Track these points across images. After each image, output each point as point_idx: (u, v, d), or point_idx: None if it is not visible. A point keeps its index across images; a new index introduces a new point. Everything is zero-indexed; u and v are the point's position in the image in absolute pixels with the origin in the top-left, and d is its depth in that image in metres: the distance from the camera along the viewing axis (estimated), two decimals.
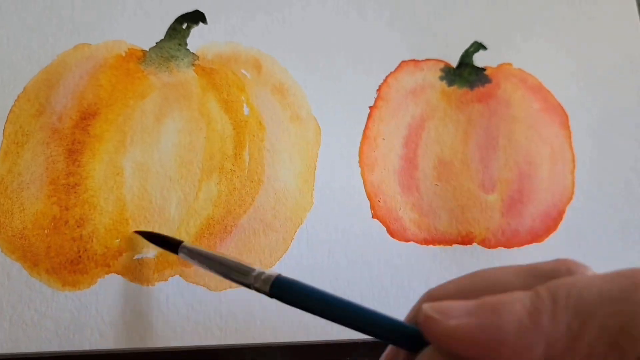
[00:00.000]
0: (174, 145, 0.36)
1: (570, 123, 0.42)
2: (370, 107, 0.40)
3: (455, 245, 0.38)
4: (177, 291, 0.34)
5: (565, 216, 0.40)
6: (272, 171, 0.37)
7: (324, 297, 0.23)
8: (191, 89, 0.37)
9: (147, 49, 0.38)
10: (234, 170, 0.36)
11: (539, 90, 0.42)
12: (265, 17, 0.40)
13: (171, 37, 0.38)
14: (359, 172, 0.38)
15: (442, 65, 0.42)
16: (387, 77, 0.40)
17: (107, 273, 0.34)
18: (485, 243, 0.38)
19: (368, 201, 0.38)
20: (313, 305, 0.23)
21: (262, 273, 0.25)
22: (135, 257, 0.34)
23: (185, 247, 0.31)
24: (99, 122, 0.35)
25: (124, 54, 0.37)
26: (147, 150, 0.35)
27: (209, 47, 0.38)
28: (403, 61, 0.41)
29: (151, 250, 0.34)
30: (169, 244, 0.32)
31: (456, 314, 0.20)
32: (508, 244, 0.39)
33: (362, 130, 0.39)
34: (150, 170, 0.35)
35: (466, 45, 0.42)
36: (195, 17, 0.39)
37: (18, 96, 0.35)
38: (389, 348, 0.25)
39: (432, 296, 0.23)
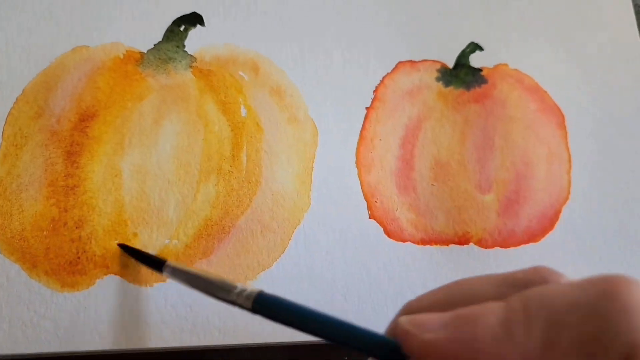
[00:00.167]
0: (172, 147, 0.36)
1: (566, 123, 0.42)
2: (367, 108, 0.40)
3: (452, 246, 0.38)
4: (176, 292, 0.34)
5: (561, 216, 0.40)
6: (269, 172, 0.37)
7: (303, 312, 0.24)
8: (189, 90, 0.37)
9: (145, 51, 0.38)
10: (232, 172, 0.36)
11: (536, 91, 0.42)
12: (262, 19, 0.40)
13: (169, 39, 0.38)
14: (356, 173, 0.38)
15: (438, 66, 0.42)
16: (383, 77, 0.41)
17: (105, 274, 0.34)
18: (481, 243, 0.39)
19: (365, 202, 0.38)
20: (293, 320, 0.24)
21: (244, 290, 0.26)
22: None
23: (169, 266, 0.31)
24: (98, 124, 0.36)
25: (121, 56, 0.37)
26: (145, 152, 0.36)
27: (206, 49, 0.39)
28: (400, 62, 0.41)
29: (150, 251, 0.34)
30: (153, 262, 0.32)
31: (431, 327, 0.20)
32: (504, 244, 0.39)
33: (359, 131, 0.39)
34: (149, 172, 0.35)
35: (462, 45, 0.43)
36: (193, 19, 0.39)
37: (17, 98, 0.36)
38: None
39: (410, 308, 0.23)
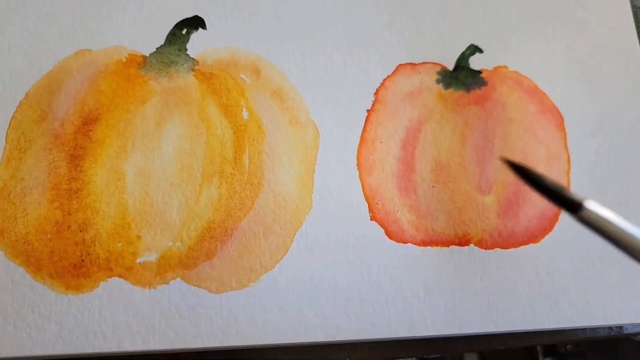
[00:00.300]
0: (174, 150, 0.36)
1: (565, 125, 0.42)
2: (368, 111, 0.40)
3: (452, 247, 0.39)
4: (179, 294, 0.34)
5: (560, 217, 0.40)
6: (271, 175, 0.37)
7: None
8: (191, 94, 0.38)
9: (148, 55, 0.38)
10: (234, 174, 0.37)
11: (535, 93, 0.42)
12: (263, 22, 0.40)
13: (171, 43, 0.38)
14: (357, 175, 0.39)
15: (438, 69, 0.42)
16: (384, 80, 0.41)
17: (109, 277, 0.34)
18: (482, 244, 0.39)
19: (366, 204, 0.38)
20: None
21: None
22: (138, 260, 0.34)
23: (588, 212, 0.25)
24: (101, 128, 0.36)
25: (124, 60, 0.38)
26: (148, 155, 0.36)
27: (208, 53, 0.39)
28: (400, 64, 0.42)
29: (153, 254, 0.35)
30: (562, 200, 0.26)
31: None
32: (505, 245, 0.39)
33: (360, 134, 0.40)
34: (152, 175, 0.36)
35: (462, 48, 0.43)
36: (195, 23, 0.39)
37: (20, 102, 0.36)
38: None
39: None
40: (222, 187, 0.36)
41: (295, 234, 0.37)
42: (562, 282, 0.39)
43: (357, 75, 0.41)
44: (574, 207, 0.25)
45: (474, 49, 0.43)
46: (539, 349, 0.85)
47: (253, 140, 0.37)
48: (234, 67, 0.39)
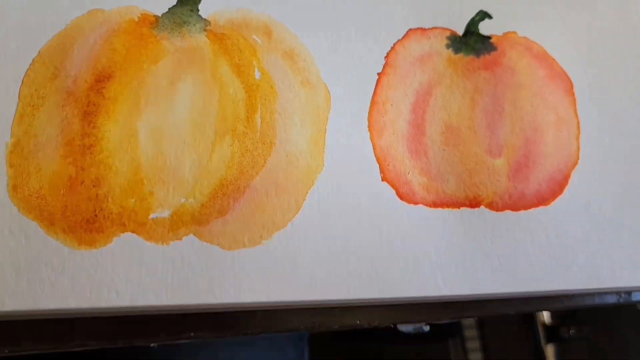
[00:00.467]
0: (187, 108, 0.36)
1: (574, 90, 0.42)
2: (378, 74, 0.40)
3: (463, 208, 0.39)
4: (192, 250, 0.34)
5: (570, 180, 0.40)
6: (283, 134, 0.37)
7: None
8: (203, 53, 0.38)
9: (160, 15, 0.38)
10: (247, 133, 0.37)
11: (544, 58, 0.43)
12: None
13: (183, 3, 0.39)
14: (368, 136, 0.39)
15: (448, 34, 0.42)
16: (395, 44, 0.41)
17: (122, 232, 0.34)
18: (492, 206, 0.39)
19: (377, 165, 0.38)
20: None
21: None
22: (150, 216, 0.34)
23: None
24: (114, 85, 0.36)
25: (136, 19, 0.38)
26: (161, 113, 0.36)
27: (220, 13, 0.39)
28: (410, 29, 0.42)
29: (166, 210, 0.35)
30: None
31: None
32: (515, 207, 0.39)
33: (370, 96, 0.40)
34: (165, 132, 0.36)
35: (472, 13, 0.43)
36: None
37: (33, 60, 0.36)
38: None
39: None
40: (235, 145, 0.36)
41: (307, 192, 0.37)
42: (572, 245, 0.39)
43: (367, 39, 0.41)
44: None
45: (483, 15, 0.43)
46: (540, 333, 0.86)
47: (265, 99, 0.37)
48: (246, 28, 0.39)
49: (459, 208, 0.39)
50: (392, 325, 0.41)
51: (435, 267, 0.37)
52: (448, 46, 0.42)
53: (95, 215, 0.34)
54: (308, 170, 0.37)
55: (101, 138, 0.35)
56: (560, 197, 0.40)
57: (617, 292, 0.43)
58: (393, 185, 0.38)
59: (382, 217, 0.38)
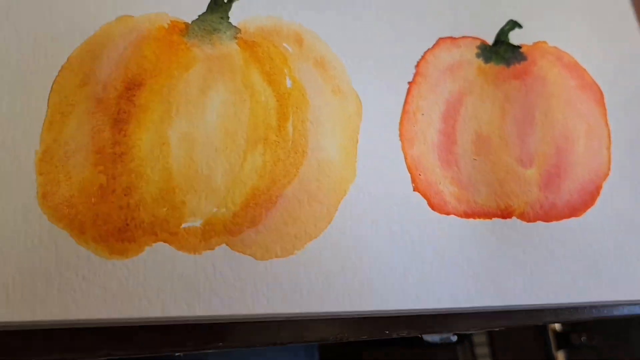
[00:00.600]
0: (218, 116, 0.36)
1: (605, 100, 0.42)
2: (409, 83, 0.40)
3: (494, 219, 0.39)
4: (224, 260, 0.34)
5: (602, 191, 0.40)
6: (315, 143, 0.37)
7: None
8: (234, 61, 0.37)
9: (190, 22, 0.38)
10: (278, 142, 0.36)
11: (575, 68, 0.42)
12: None
13: (213, 11, 0.38)
14: (400, 146, 0.38)
15: (478, 43, 0.42)
16: (425, 53, 0.41)
17: (154, 241, 0.34)
18: (524, 217, 0.39)
19: (409, 174, 0.38)
20: None
21: None
22: (182, 225, 0.34)
23: None
24: (144, 93, 0.35)
25: (166, 26, 0.37)
26: (193, 120, 0.35)
27: (251, 21, 0.39)
28: (440, 38, 0.41)
29: (198, 219, 0.34)
30: None
31: None
32: (547, 218, 0.39)
33: (401, 105, 0.39)
34: (196, 140, 0.35)
35: (502, 23, 0.43)
36: None
37: (62, 67, 0.35)
38: None
39: None
40: (267, 154, 0.36)
41: (339, 202, 0.36)
42: (604, 257, 0.39)
43: (398, 48, 0.41)
44: None
45: (513, 24, 0.43)
46: (551, 340, 0.85)
47: (297, 108, 0.37)
48: (277, 36, 0.38)
49: (490, 219, 0.38)
50: (419, 335, 0.40)
51: (467, 278, 0.37)
52: (478, 55, 0.42)
53: (127, 225, 0.33)
54: (340, 179, 0.37)
55: (132, 146, 0.34)
56: (592, 207, 0.40)
57: None
58: (425, 195, 0.38)
59: (414, 227, 0.37)
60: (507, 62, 0.42)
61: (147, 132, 0.35)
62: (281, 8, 0.39)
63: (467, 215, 0.38)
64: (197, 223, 0.34)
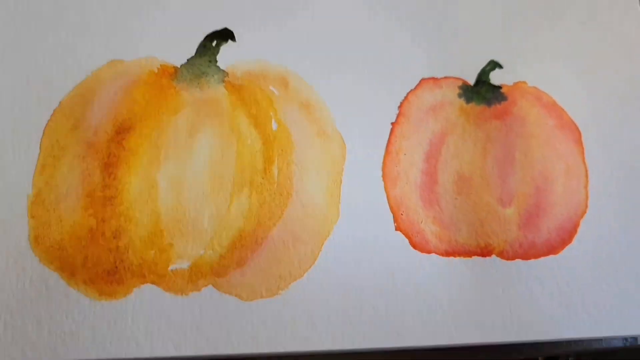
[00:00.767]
0: (206, 159, 0.37)
1: (583, 139, 0.43)
2: (392, 123, 0.41)
3: (474, 257, 0.40)
4: (211, 300, 0.35)
5: (579, 229, 0.41)
6: (300, 185, 0.38)
7: None
8: (221, 104, 0.38)
9: (179, 66, 0.39)
10: (264, 184, 0.37)
11: (553, 108, 0.43)
12: (292, 36, 0.41)
13: (201, 54, 0.39)
14: (382, 186, 0.40)
15: (460, 83, 0.43)
16: (408, 94, 0.42)
17: (142, 283, 0.35)
18: (503, 255, 0.40)
19: (391, 214, 0.39)
20: None
21: None
22: (170, 267, 0.35)
23: None
24: (134, 137, 0.36)
25: (156, 70, 0.38)
26: (181, 164, 0.36)
27: (238, 65, 0.40)
28: (423, 79, 0.43)
29: (185, 261, 0.35)
30: None
31: None
32: (525, 256, 0.40)
33: (384, 146, 0.40)
34: (184, 183, 0.36)
35: (483, 63, 0.44)
36: (224, 35, 0.40)
37: (54, 110, 0.37)
38: None
39: None
40: (253, 196, 0.37)
41: (323, 243, 0.37)
42: (581, 293, 0.40)
43: (381, 89, 0.42)
44: None
45: (494, 65, 0.44)
46: None
47: (282, 150, 0.38)
48: (263, 79, 0.40)
49: (470, 257, 0.39)
50: None
51: (448, 316, 0.38)
52: (460, 95, 0.43)
53: (116, 267, 0.34)
54: (324, 220, 0.38)
55: (121, 190, 0.35)
56: (569, 245, 0.41)
57: (624, 338, 0.44)
58: (406, 235, 0.39)
59: (396, 266, 0.38)
60: (488, 102, 0.43)
61: (136, 176, 0.36)
62: (268, 52, 0.40)
63: (447, 253, 0.39)
64: (185, 265, 0.35)
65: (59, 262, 0.34)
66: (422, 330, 0.37)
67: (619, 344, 0.44)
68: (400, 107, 0.42)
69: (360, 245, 0.38)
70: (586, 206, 0.42)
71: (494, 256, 0.40)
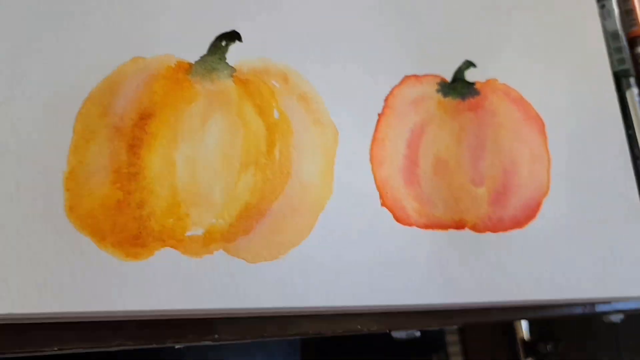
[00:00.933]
0: (216, 142, 0.43)
1: (546, 130, 0.49)
2: (379, 114, 0.47)
3: (450, 230, 0.45)
4: (221, 262, 0.40)
5: (542, 207, 0.47)
6: (298, 166, 0.44)
7: None
8: (230, 96, 0.44)
9: (193, 62, 0.44)
10: (267, 164, 0.43)
11: (521, 102, 0.50)
12: (291, 37, 0.47)
13: (213, 53, 0.45)
14: (370, 168, 0.45)
15: (438, 80, 0.49)
16: (392, 89, 0.48)
17: (162, 247, 0.40)
18: (475, 228, 0.46)
19: (378, 192, 0.45)
20: None
21: None
22: (187, 234, 0.40)
23: None
24: (155, 123, 0.42)
25: (173, 66, 0.44)
26: (195, 146, 0.42)
27: (244, 62, 0.45)
28: (406, 76, 0.49)
29: (200, 229, 0.41)
30: None
31: None
32: (494, 229, 0.46)
33: (372, 134, 0.46)
34: (198, 163, 0.42)
35: (459, 62, 0.50)
36: (233, 36, 0.46)
37: (84, 100, 0.42)
38: None
39: None
40: (257, 174, 0.43)
41: (318, 216, 0.43)
42: (543, 262, 0.46)
43: (370, 84, 0.47)
44: None
45: (468, 64, 0.50)
46: (520, 348, 0.91)
47: (283, 136, 0.44)
48: (266, 75, 0.45)
49: (446, 230, 0.45)
50: (387, 331, 0.47)
51: (427, 279, 0.44)
52: (438, 91, 0.49)
53: (140, 233, 0.40)
54: (319, 196, 0.43)
55: (144, 167, 0.41)
56: (533, 220, 0.47)
57: (583, 304, 0.49)
58: (391, 210, 0.45)
59: (381, 236, 0.44)
60: (463, 97, 0.49)
61: (157, 155, 0.41)
62: (271, 51, 0.46)
63: (426, 226, 0.45)
64: (199, 232, 0.41)
65: (91, 228, 0.39)
66: (404, 291, 0.43)
67: (579, 311, 0.50)
68: (386, 100, 0.47)
69: (350, 218, 0.44)
70: (548, 187, 0.48)
71: (467, 229, 0.46)
